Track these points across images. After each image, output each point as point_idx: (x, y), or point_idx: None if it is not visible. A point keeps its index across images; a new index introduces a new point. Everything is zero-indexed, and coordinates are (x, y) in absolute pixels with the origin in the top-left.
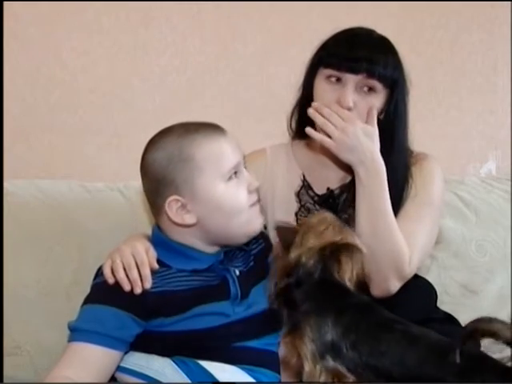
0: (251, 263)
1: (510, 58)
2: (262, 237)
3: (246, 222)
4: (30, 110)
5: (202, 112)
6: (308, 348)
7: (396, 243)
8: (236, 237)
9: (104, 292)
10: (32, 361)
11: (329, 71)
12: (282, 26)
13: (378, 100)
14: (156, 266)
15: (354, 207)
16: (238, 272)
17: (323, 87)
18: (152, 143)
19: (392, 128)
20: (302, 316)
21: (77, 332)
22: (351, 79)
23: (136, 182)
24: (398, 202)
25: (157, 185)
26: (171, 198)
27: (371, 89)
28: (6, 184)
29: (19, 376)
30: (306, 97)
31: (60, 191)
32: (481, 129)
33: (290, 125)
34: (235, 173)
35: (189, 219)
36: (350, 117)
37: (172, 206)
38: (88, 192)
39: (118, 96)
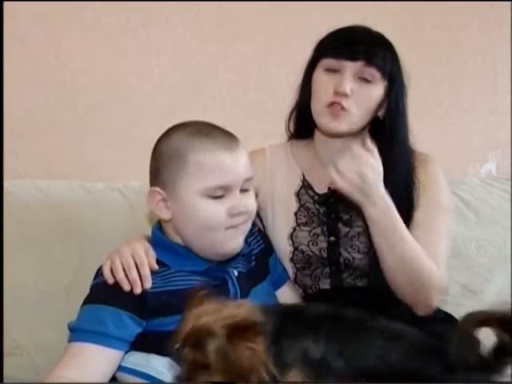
0: (252, 263)
1: (510, 58)
2: (262, 237)
3: (218, 242)
4: (30, 110)
5: (202, 112)
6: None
7: (424, 265)
8: (206, 252)
9: (104, 292)
10: (32, 361)
11: (327, 61)
12: (282, 26)
13: (376, 91)
14: (155, 266)
15: (356, 210)
16: (236, 273)
17: (321, 78)
18: (166, 131)
19: (394, 125)
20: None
21: (77, 332)
22: (349, 67)
23: (136, 182)
24: (405, 204)
25: (153, 171)
26: (156, 188)
27: (369, 79)
28: (5, 184)
29: (19, 376)
30: (305, 95)
31: (60, 191)
32: (481, 129)
33: (288, 125)
34: (221, 193)
35: (165, 214)
36: (362, 156)
37: (154, 197)
38: (88, 192)
39: (117, 96)
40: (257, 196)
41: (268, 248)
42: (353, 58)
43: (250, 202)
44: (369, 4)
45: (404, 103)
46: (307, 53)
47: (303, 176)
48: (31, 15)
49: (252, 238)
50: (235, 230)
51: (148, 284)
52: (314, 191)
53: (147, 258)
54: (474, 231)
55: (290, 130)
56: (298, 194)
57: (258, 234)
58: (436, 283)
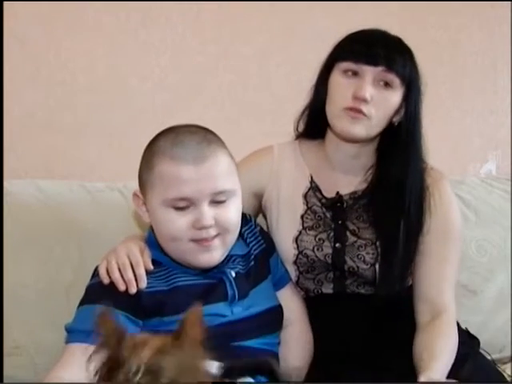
0: (251, 263)
1: (510, 58)
2: (264, 237)
3: (186, 253)
4: (30, 110)
5: (202, 112)
6: None
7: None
8: (182, 261)
9: (99, 292)
10: (32, 361)
11: (346, 64)
12: (282, 26)
13: (395, 96)
14: (151, 266)
15: (363, 220)
16: (234, 273)
17: (339, 81)
18: (157, 134)
19: (410, 131)
20: None
21: (73, 333)
22: (369, 71)
23: (136, 183)
24: (415, 221)
25: (138, 173)
26: (136, 191)
27: (388, 84)
28: (5, 184)
29: (19, 376)
30: (319, 96)
31: (60, 191)
32: (481, 129)
33: (297, 125)
34: (185, 206)
35: (146, 218)
36: None
37: (137, 199)
38: (88, 192)
39: (117, 96)
40: (262, 195)
41: (269, 248)
42: (373, 62)
43: (223, 216)
44: (369, 4)
45: (420, 110)
46: (308, 53)
47: (311, 177)
48: (31, 15)
49: (252, 238)
50: (205, 243)
51: (143, 284)
52: (321, 194)
53: (143, 257)
54: (474, 231)
55: (298, 130)
56: (305, 196)
57: (260, 234)
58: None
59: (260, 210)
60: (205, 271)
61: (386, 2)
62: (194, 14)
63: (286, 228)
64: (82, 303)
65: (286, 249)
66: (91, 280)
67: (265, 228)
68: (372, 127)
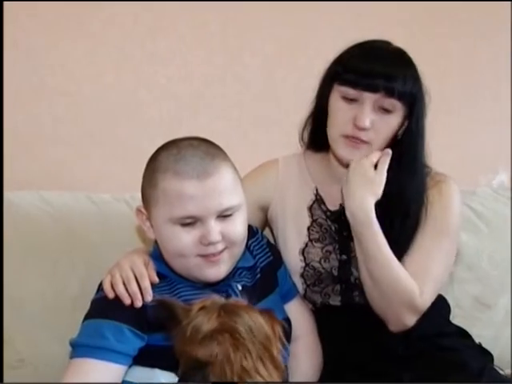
0: (258, 276)
1: None
2: (271, 249)
3: (193, 269)
4: (35, 121)
5: (209, 123)
6: None
7: (399, 282)
8: (188, 276)
9: (104, 307)
10: (37, 374)
11: (345, 89)
12: (289, 36)
13: (396, 118)
14: (156, 278)
15: None
16: (240, 286)
17: (339, 106)
18: (159, 147)
19: (414, 147)
20: None
21: (78, 348)
22: (369, 98)
23: None
24: (414, 225)
25: (141, 187)
26: (140, 207)
27: (389, 109)
28: (10, 195)
29: None
30: (320, 109)
31: (65, 203)
32: (492, 138)
33: (302, 137)
34: (191, 222)
35: (150, 234)
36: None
37: (140, 215)
38: (94, 203)
39: (124, 106)
40: (268, 208)
41: (277, 261)
42: (373, 89)
43: (230, 230)
44: (378, 14)
45: (423, 123)
46: (315, 63)
47: (316, 190)
48: (35, 24)
49: (259, 251)
50: (212, 258)
51: (149, 297)
52: (326, 206)
53: (147, 270)
54: (486, 243)
55: (303, 140)
56: (310, 209)
57: (267, 247)
58: (412, 303)
59: (266, 223)
60: (210, 284)
61: (394, 11)
62: (202, 24)
63: (293, 240)
64: (86, 317)
65: (293, 261)
66: (96, 294)
67: (271, 241)
68: (372, 151)
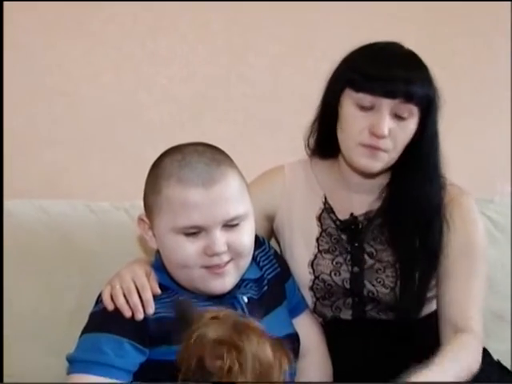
0: (265, 288)
1: None
2: (278, 260)
3: (197, 281)
4: (31, 124)
5: (213, 127)
6: None
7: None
8: (191, 288)
9: (103, 320)
10: None
11: (361, 96)
12: (296, 35)
13: (412, 124)
14: (158, 290)
15: (381, 242)
16: (246, 299)
17: (353, 113)
18: (163, 153)
19: (430, 152)
20: None
21: (76, 363)
22: (387, 104)
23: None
24: (434, 244)
25: (143, 194)
26: (142, 215)
27: (406, 116)
28: (5, 204)
29: None
30: (329, 114)
31: (62, 211)
32: (510, 143)
33: (308, 143)
34: (196, 232)
35: (152, 243)
36: None
37: (142, 224)
38: (92, 212)
39: (123, 109)
40: (274, 218)
41: (284, 272)
42: (391, 95)
43: (236, 240)
44: (389, 12)
45: (438, 126)
46: (323, 63)
47: (325, 198)
48: (32, 23)
49: (266, 262)
50: (217, 270)
51: (150, 309)
52: (335, 215)
53: (149, 281)
54: (504, 253)
55: (309, 147)
56: (319, 218)
57: (274, 258)
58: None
59: (272, 232)
60: (215, 297)
61: (405, 10)
62: (205, 23)
63: (301, 251)
64: (84, 331)
65: (302, 273)
66: (95, 307)
67: (277, 251)
68: (391, 159)
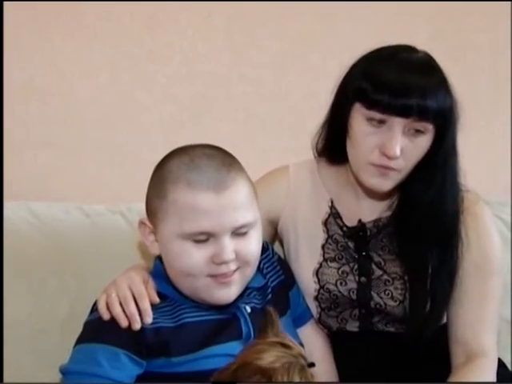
0: (269, 296)
1: None
2: (282, 267)
3: (202, 290)
4: (23, 124)
5: (214, 127)
6: None
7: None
8: (194, 297)
9: (98, 329)
10: None
11: (372, 114)
12: (301, 31)
13: (427, 140)
14: (156, 299)
15: (389, 251)
16: (249, 309)
17: (364, 130)
18: (170, 153)
19: (447, 159)
20: None
21: (69, 375)
22: (399, 123)
23: (140, 205)
24: (449, 255)
25: (146, 197)
26: (144, 219)
27: (420, 130)
28: None
29: None
30: (338, 122)
31: (55, 215)
32: None
33: (316, 146)
34: (204, 238)
35: (154, 249)
36: None
37: (143, 228)
38: (87, 216)
39: (120, 109)
40: (278, 221)
41: (288, 280)
42: (405, 113)
43: (244, 248)
44: (399, 5)
45: (456, 138)
46: (329, 61)
47: (332, 202)
48: (24, 19)
49: (270, 269)
50: (223, 279)
51: (148, 319)
52: (342, 221)
53: (147, 289)
54: None
55: (317, 150)
56: (325, 224)
57: (278, 264)
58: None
59: (276, 236)
60: (217, 307)
61: (417, 2)
62: (205, 18)
63: (306, 259)
64: (79, 341)
65: (306, 282)
66: (89, 315)
67: (281, 257)
68: (403, 176)
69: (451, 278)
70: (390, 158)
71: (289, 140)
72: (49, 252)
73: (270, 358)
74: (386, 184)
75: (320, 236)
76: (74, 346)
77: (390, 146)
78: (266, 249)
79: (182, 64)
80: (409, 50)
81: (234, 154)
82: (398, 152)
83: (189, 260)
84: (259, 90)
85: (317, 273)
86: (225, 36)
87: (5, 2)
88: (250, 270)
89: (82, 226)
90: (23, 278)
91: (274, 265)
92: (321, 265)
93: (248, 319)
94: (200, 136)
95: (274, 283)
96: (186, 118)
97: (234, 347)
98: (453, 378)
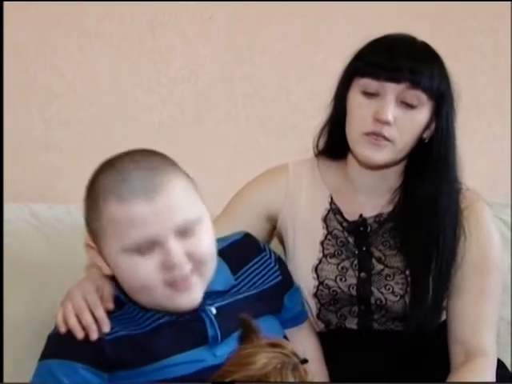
0: (241, 295)
1: None
2: (280, 267)
3: (163, 300)
4: (24, 126)
5: (215, 128)
6: None
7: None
8: (158, 308)
9: (57, 343)
10: None
11: (366, 81)
12: (303, 31)
13: (422, 114)
14: (110, 305)
15: (390, 246)
16: (214, 310)
17: (358, 101)
18: (97, 169)
19: (443, 148)
20: None
21: None
22: (392, 89)
23: None
24: (451, 248)
25: (84, 218)
26: (87, 240)
27: (414, 102)
28: None
29: None
30: (339, 112)
31: (56, 216)
32: None
33: (318, 144)
34: (148, 247)
35: (106, 270)
36: None
37: (89, 250)
38: None
39: (121, 110)
40: (277, 219)
41: (286, 282)
42: (396, 79)
43: (194, 247)
44: (401, 5)
45: (454, 124)
46: (331, 61)
47: (331, 198)
48: (24, 19)
49: (265, 272)
50: (182, 286)
51: (105, 327)
52: (343, 217)
53: (102, 296)
54: None
55: (318, 148)
56: (325, 220)
57: (275, 265)
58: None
59: (273, 234)
60: (179, 313)
61: (419, 2)
62: (206, 19)
63: (305, 255)
64: (41, 357)
65: (305, 279)
66: (53, 330)
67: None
68: (398, 151)
69: (450, 273)
70: (382, 122)
71: (291, 141)
72: (50, 254)
73: (262, 360)
74: (379, 155)
75: (319, 232)
76: (39, 360)
77: (382, 111)
78: (262, 250)
79: (183, 65)
80: (407, 36)
81: (233, 155)
82: (389, 116)
83: (138, 272)
84: (261, 91)
85: (316, 269)
86: (226, 37)
87: (5, 2)
88: (208, 269)
89: (82, 227)
90: (23, 278)
91: (270, 266)
92: (320, 261)
93: (214, 321)
94: (200, 137)
95: (269, 285)
96: (187, 119)
97: (200, 353)
98: (452, 378)
